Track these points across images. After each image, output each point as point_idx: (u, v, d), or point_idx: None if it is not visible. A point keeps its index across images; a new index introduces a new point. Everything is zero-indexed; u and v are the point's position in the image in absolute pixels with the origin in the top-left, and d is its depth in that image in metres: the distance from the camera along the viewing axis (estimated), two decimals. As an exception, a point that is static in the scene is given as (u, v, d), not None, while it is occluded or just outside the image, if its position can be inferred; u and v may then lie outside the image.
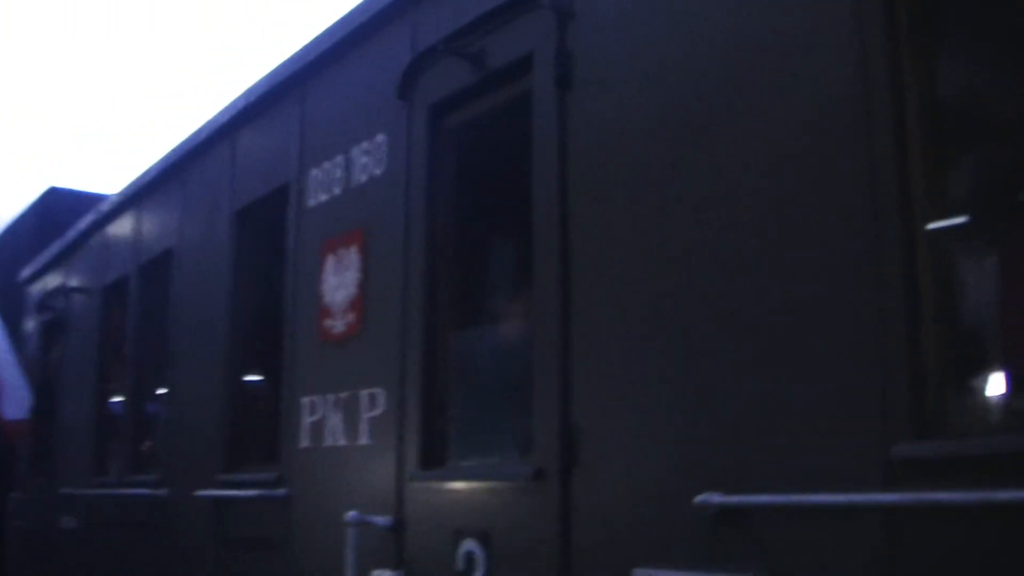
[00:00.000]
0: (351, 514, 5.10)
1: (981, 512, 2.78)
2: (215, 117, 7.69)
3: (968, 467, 2.87)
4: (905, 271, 3.04)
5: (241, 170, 7.32)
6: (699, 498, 3.46)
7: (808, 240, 3.36)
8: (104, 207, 10.12)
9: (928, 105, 3.12)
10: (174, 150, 8.43)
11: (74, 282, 10.84)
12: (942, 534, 2.88)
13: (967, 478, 2.82)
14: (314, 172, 6.26)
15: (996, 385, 3.24)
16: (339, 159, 6.03)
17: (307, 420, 5.96)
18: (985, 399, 3.24)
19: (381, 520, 5.08)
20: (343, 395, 5.66)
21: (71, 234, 10.95)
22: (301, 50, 6.60)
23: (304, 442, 5.98)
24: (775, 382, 3.39)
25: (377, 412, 5.35)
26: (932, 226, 3.08)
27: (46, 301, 11.48)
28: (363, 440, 5.45)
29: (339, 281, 5.83)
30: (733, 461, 3.49)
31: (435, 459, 5.00)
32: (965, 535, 2.83)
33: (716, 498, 3.42)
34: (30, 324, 12.34)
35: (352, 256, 5.76)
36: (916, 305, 3.03)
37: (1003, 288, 3.37)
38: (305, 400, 6.01)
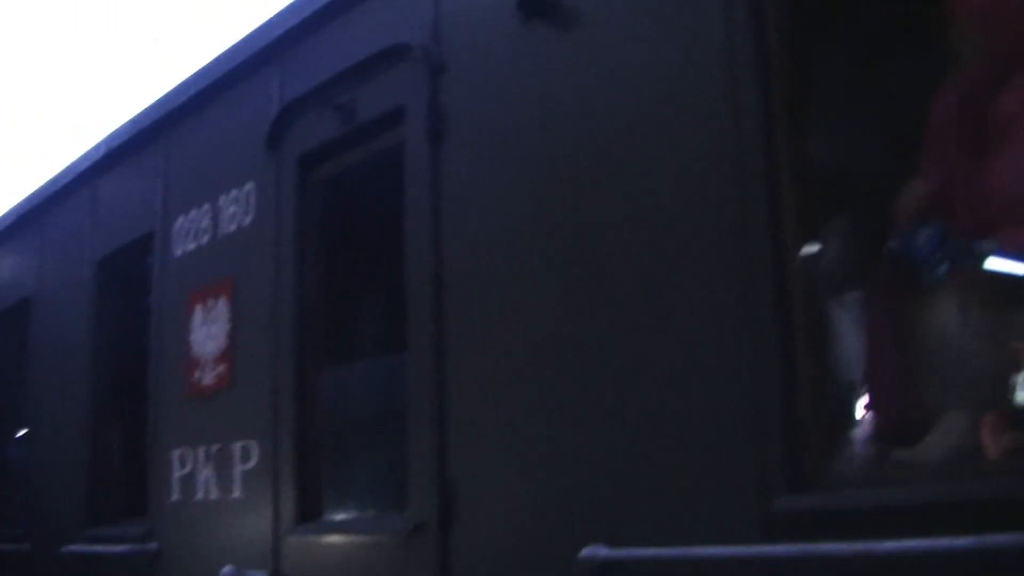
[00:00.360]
0: (226, 569, 5.03)
1: (860, 563, 2.87)
2: (74, 163, 7.53)
3: (845, 520, 2.96)
4: (780, 330, 3.13)
5: (103, 218, 7.18)
6: (584, 552, 3.49)
7: (683, 298, 3.43)
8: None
9: (799, 169, 3.21)
10: (31, 196, 8.23)
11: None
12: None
13: (845, 530, 2.90)
14: (180, 220, 6.18)
15: (868, 439, 3.35)
16: (206, 207, 5.96)
17: (177, 473, 5.86)
18: (859, 453, 3.35)
19: (257, 574, 5.02)
20: (214, 447, 5.58)
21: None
22: (164, 96, 6.52)
23: (174, 495, 5.87)
24: (656, 435, 3.44)
25: (250, 465, 5.29)
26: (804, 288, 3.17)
27: None
28: (237, 493, 5.38)
29: (207, 332, 5.75)
30: (615, 515, 3.53)
31: (311, 512, 4.97)
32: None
33: (601, 551, 3.45)
34: None
35: (220, 306, 5.70)
36: (791, 362, 3.12)
37: (867, 345, 3.49)
38: (175, 453, 5.91)
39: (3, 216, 8.71)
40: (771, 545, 3.06)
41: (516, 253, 4.07)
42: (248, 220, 5.60)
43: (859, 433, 3.43)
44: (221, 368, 5.63)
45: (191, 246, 6.06)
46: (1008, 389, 3.25)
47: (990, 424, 3.12)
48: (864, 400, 3.52)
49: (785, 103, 3.28)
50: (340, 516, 4.96)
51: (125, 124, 6.89)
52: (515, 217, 4.09)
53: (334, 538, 4.77)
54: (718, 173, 3.35)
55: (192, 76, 6.24)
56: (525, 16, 4.01)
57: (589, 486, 3.63)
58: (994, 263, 3.09)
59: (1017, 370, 3.22)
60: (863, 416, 3.47)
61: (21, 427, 8.19)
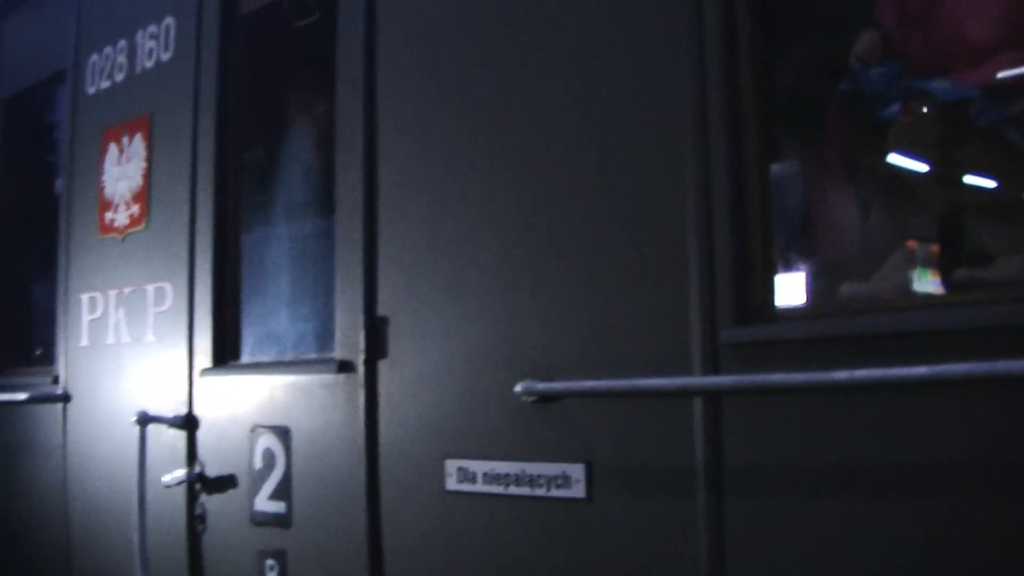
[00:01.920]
0: (140, 411, 4.90)
1: (801, 392, 2.83)
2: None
3: (791, 352, 2.91)
4: (730, 161, 3.04)
5: (9, 57, 6.87)
6: (520, 385, 3.41)
7: (631, 116, 3.32)
8: None
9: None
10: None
11: None
12: (765, 417, 2.92)
13: (791, 363, 2.85)
14: (94, 57, 5.91)
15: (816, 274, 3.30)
16: (122, 44, 5.71)
17: (87, 318, 5.68)
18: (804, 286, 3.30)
19: (171, 417, 4.89)
20: (127, 291, 5.41)
21: None
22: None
23: (84, 341, 5.70)
24: (598, 267, 3.36)
25: (164, 307, 5.14)
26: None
27: None
28: (149, 337, 5.22)
29: (121, 171, 5.54)
30: (552, 349, 3.45)
31: (228, 354, 4.84)
32: (786, 415, 2.88)
33: (539, 384, 3.38)
34: None
35: (136, 144, 5.48)
36: (740, 193, 3.04)
37: (814, 182, 3.43)
38: (84, 297, 5.72)
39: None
40: (714, 376, 3.01)
41: (452, 96, 3.93)
42: (167, 56, 5.37)
43: (808, 268, 3.36)
44: (135, 208, 5.43)
45: (105, 84, 5.81)
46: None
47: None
48: (814, 236, 3.46)
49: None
50: (258, 358, 4.83)
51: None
52: (451, 64, 3.93)
53: (252, 378, 4.64)
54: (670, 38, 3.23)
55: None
56: None
57: (525, 321, 3.55)
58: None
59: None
60: (812, 252, 3.40)
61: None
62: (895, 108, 3.11)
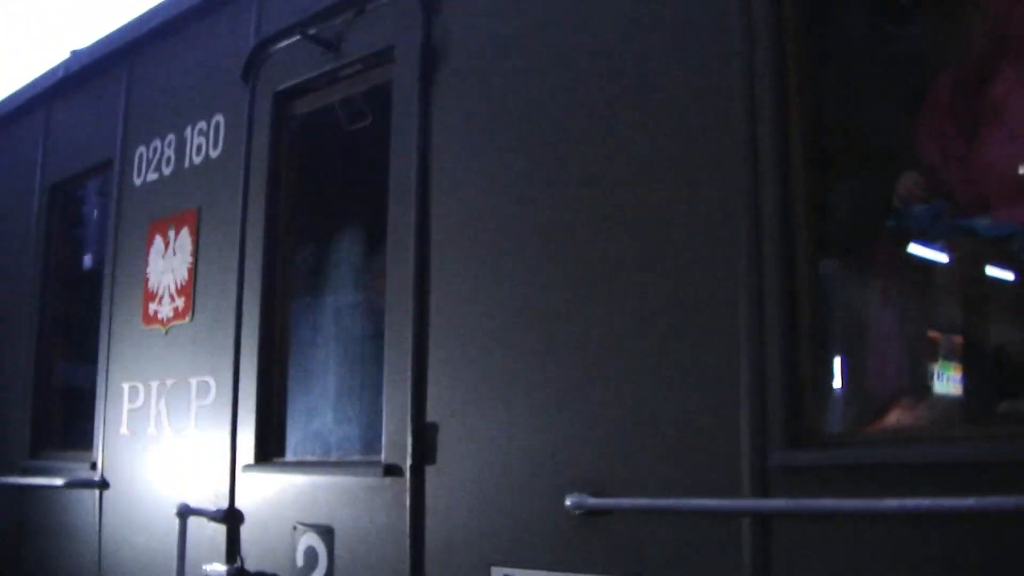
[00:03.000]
0: (181, 503, 4.95)
1: (854, 520, 2.89)
2: (29, 85, 7.33)
3: (841, 477, 2.96)
4: (783, 285, 3.12)
5: (57, 143, 7.00)
6: (571, 499, 3.47)
7: (684, 248, 3.41)
8: None
9: (811, 132, 3.19)
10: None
11: None
12: (815, 540, 2.97)
13: (840, 488, 2.91)
14: (141, 149, 6.04)
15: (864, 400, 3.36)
16: (170, 138, 5.83)
17: (127, 407, 5.76)
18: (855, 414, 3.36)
19: (212, 510, 4.94)
20: (169, 382, 5.48)
21: None
22: (130, 21, 6.36)
23: (123, 429, 5.77)
24: (649, 386, 3.42)
25: (208, 401, 5.20)
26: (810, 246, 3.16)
27: None
28: (191, 429, 5.29)
29: (167, 264, 5.64)
30: (601, 464, 3.51)
31: (271, 451, 4.89)
32: (838, 541, 2.93)
33: (588, 499, 3.44)
34: None
35: (183, 238, 5.59)
36: (792, 317, 3.11)
37: (872, 310, 3.50)
38: (125, 385, 5.80)
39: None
40: (764, 499, 3.06)
41: (508, 199, 4.02)
42: (216, 153, 5.48)
43: (857, 393, 3.43)
44: (180, 301, 5.52)
45: (153, 176, 5.93)
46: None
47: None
48: (862, 362, 3.53)
49: (798, 67, 3.25)
50: (301, 456, 4.89)
51: (86, 48, 6.71)
52: (509, 162, 4.03)
53: (296, 476, 4.69)
54: (726, 127, 3.32)
55: (162, 2, 6.09)
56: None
57: (575, 435, 3.61)
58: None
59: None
60: (861, 378, 3.47)
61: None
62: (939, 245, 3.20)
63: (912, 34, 3.60)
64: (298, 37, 4.97)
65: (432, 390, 4.14)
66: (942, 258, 3.33)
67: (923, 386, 3.43)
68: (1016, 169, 3.13)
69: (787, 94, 3.24)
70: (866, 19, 3.76)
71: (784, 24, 3.27)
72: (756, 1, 3.30)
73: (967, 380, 3.24)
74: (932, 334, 3.52)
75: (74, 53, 6.95)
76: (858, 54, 3.73)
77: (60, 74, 6.94)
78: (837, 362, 3.50)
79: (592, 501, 3.44)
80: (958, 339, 3.40)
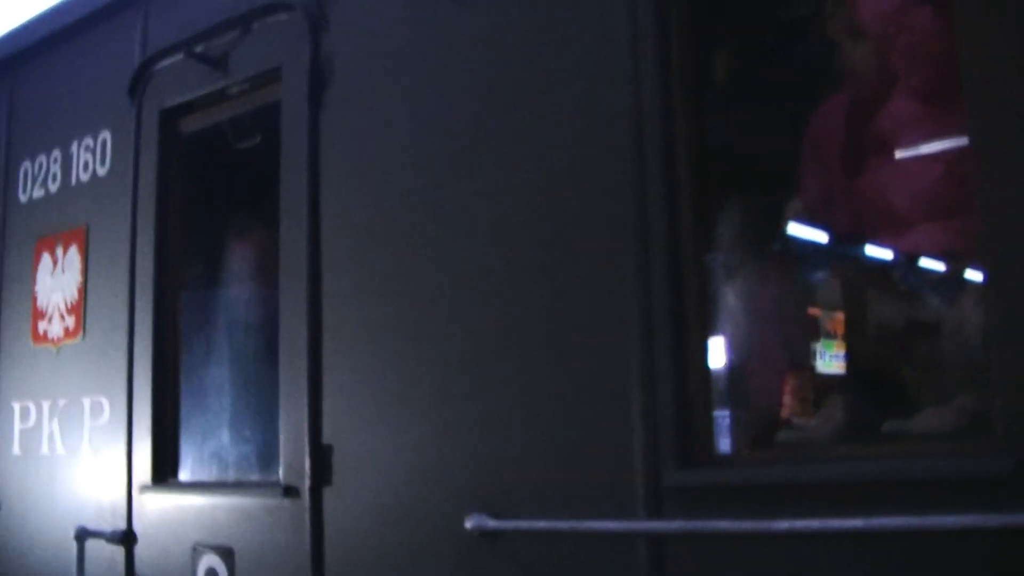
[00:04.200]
0: (78, 525, 4.92)
1: (746, 539, 2.99)
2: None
3: (732, 497, 3.07)
4: (673, 306, 3.20)
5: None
6: (470, 520, 3.53)
7: (574, 271, 3.47)
8: None
9: (697, 150, 3.28)
10: None
11: None
12: (709, 560, 3.07)
13: (731, 508, 3.02)
14: (26, 165, 5.96)
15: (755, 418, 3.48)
16: (56, 154, 5.76)
17: (19, 427, 5.69)
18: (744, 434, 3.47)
19: (109, 532, 4.91)
20: (61, 402, 5.43)
21: None
22: (14, 30, 6.25)
23: (15, 449, 5.70)
24: (543, 408, 3.49)
25: (102, 421, 5.17)
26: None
27: None
28: (85, 450, 5.25)
29: (56, 282, 5.58)
30: (497, 484, 3.58)
31: (168, 471, 4.88)
32: (732, 561, 3.03)
33: (489, 521, 3.50)
34: None
35: (71, 255, 5.53)
36: (682, 339, 3.20)
37: (755, 327, 3.61)
38: (16, 405, 5.73)
39: None
40: (659, 520, 3.15)
41: (395, 219, 4.06)
42: (103, 170, 5.44)
43: (746, 412, 3.54)
44: (71, 320, 5.47)
45: (39, 192, 5.85)
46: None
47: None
48: (752, 381, 3.65)
49: (685, 87, 3.34)
50: (198, 476, 4.88)
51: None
52: (400, 181, 4.06)
53: (194, 498, 4.69)
54: (615, 152, 3.39)
55: (46, 11, 5.99)
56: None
57: (471, 455, 3.67)
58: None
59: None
60: (750, 396, 3.59)
61: None
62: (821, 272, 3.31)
63: (801, 58, 3.71)
64: (184, 54, 4.95)
65: (328, 410, 4.16)
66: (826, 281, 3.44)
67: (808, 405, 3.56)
68: (898, 202, 3.25)
69: (673, 115, 3.32)
70: (756, 41, 3.87)
71: (670, 45, 3.35)
72: (642, 22, 3.36)
73: (852, 402, 3.37)
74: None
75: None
76: (746, 76, 3.83)
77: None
78: (725, 381, 3.62)
79: (492, 523, 3.50)
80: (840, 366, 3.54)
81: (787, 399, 3.67)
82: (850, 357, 3.49)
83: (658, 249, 3.26)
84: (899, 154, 3.31)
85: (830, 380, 3.76)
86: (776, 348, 3.55)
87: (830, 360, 3.89)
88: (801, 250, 3.39)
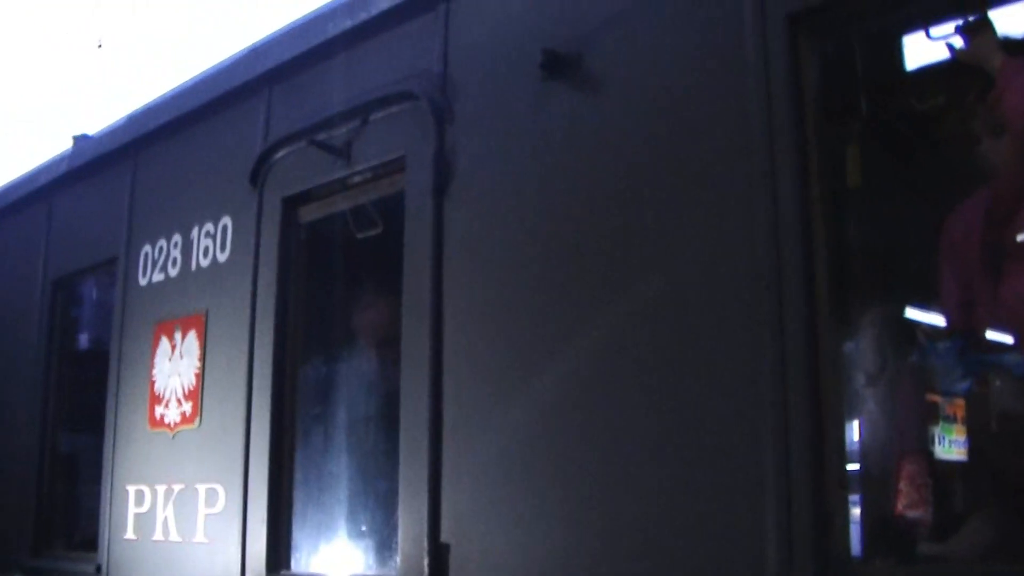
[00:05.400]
0: (188, 616, 4.88)
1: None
2: (31, 175, 7.31)
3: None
4: (811, 416, 3.07)
5: (58, 235, 6.97)
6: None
7: (707, 366, 3.36)
8: None
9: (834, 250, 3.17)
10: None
11: None
12: None
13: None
14: (146, 248, 6.00)
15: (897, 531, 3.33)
16: (176, 238, 5.80)
17: (133, 510, 5.68)
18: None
19: (223, 623, 4.87)
20: (176, 488, 5.42)
21: None
22: (138, 112, 6.35)
23: (129, 533, 5.69)
24: (673, 509, 3.36)
25: (216, 509, 5.14)
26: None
27: None
28: (199, 537, 5.21)
29: (174, 367, 5.59)
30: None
31: (282, 563, 4.82)
32: None
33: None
34: None
35: (190, 341, 5.54)
36: (820, 449, 3.06)
37: (899, 435, 3.47)
38: (131, 489, 5.73)
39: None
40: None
41: (518, 312, 3.99)
42: (224, 256, 5.45)
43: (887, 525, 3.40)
44: (188, 406, 5.46)
45: (158, 277, 5.89)
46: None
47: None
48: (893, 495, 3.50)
49: (822, 184, 3.23)
50: (313, 567, 4.81)
51: (91, 138, 6.70)
52: (522, 274, 4.00)
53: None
54: (749, 254, 3.28)
55: (169, 95, 6.08)
56: (546, 75, 3.93)
57: (597, 559, 3.55)
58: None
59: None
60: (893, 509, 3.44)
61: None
62: (965, 384, 3.17)
63: (939, 155, 3.60)
64: (306, 143, 4.96)
65: (447, 506, 4.08)
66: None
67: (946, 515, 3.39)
68: None
69: (811, 214, 3.21)
70: (892, 137, 3.77)
71: (807, 141, 3.25)
72: (778, 117, 3.26)
73: (1005, 517, 3.20)
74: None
75: (76, 139, 6.93)
76: (883, 174, 3.72)
77: (64, 167, 6.91)
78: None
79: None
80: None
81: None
82: (999, 475, 3.31)
83: (796, 357, 3.13)
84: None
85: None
86: (921, 463, 3.39)
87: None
88: (941, 360, 3.24)
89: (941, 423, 3.61)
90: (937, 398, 3.65)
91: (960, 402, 3.61)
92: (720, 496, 3.26)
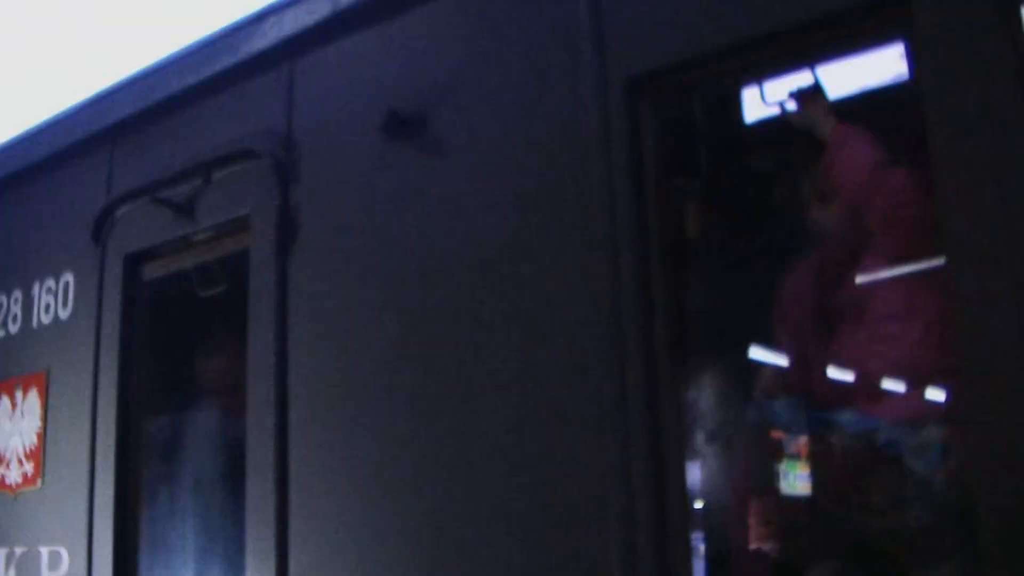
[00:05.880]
0: None
1: None
2: None
3: None
4: (653, 480, 3.13)
5: None
6: None
7: (556, 427, 3.39)
8: None
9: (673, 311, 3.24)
10: None
11: None
12: None
13: None
14: (-15, 305, 5.86)
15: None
16: (17, 294, 5.67)
17: (-27, 575, 5.52)
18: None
19: None
20: (18, 551, 5.28)
21: None
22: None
23: (-31, 600, 5.53)
24: (519, 557, 3.39)
25: (59, 573, 5.01)
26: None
27: None
28: (42, 604, 5.09)
29: (15, 427, 5.46)
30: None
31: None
32: None
33: None
34: None
35: (31, 400, 5.41)
36: (661, 510, 3.12)
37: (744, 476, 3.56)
38: (-28, 552, 5.57)
39: None
40: None
41: (366, 369, 3.99)
42: (66, 313, 5.35)
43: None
44: (29, 466, 5.34)
45: (-1, 333, 5.75)
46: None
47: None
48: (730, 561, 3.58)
49: (663, 246, 3.30)
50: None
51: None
52: (365, 335, 4.00)
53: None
54: (592, 312, 3.34)
55: (10, 143, 5.94)
56: (389, 136, 3.96)
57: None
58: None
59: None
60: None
61: None
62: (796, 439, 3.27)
63: (776, 222, 3.71)
64: (149, 200, 4.90)
65: (294, 569, 4.04)
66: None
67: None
68: (877, 369, 3.22)
69: (650, 276, 3.27)
70: (729, 199, 3.88)
71: (646, 204, 3.32)
72: (618, 181, 3.33)
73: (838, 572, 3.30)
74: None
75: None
76: (725, 241, 3.82)
77: None
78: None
79: None
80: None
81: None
82: (835, 527, 3.41)
83: (638, 426, 3.19)
84: (872, 318, 3.28)
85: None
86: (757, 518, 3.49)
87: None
88: (777, 418, 3.35)
89: (786, 460, 3.70)
90: (782, 435, 3.74)
91: (804, 439, 3.71)
92: (566, 557, 3.29)
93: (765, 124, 4.07)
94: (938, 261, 2.89)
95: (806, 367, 3.42)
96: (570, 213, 3.46)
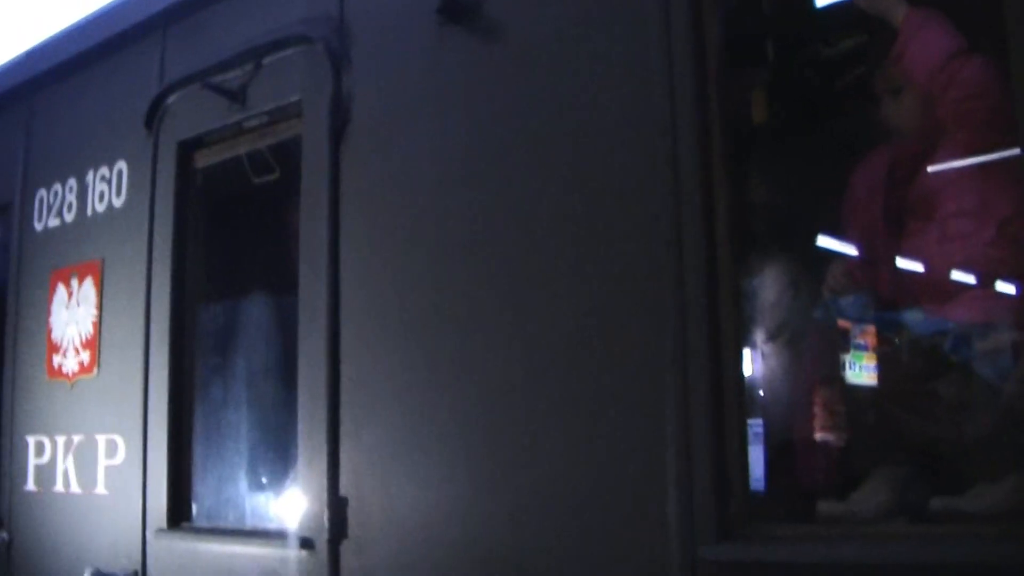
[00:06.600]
0: (91, 567, 4.80)
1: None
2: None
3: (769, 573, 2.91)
4: (710, 375, 3.05)
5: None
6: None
7: (609, 330, 3.31)
8: None
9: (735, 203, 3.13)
10: None
11: None
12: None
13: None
14: (42, 193, 5.84)
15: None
16: (71, 183, 5.64)
17: (33, 461, 5.57)
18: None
19: (123, 575, 4.79)
20: (76, 439, 5.31)
21: None
22: (28, 53, 6.14)
23: (30, 485, 5.59)
24: (573, 470, 3.33)
25: (116, 461, 5.04)
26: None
27: None
28: (100, 489, 5.12)
29: (71, 315, 5.46)
30: (520, 548, 3.43)
31: (183, 516, 4.75)
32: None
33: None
34: None
35: (86, 289, 5.41)
36: (720, 409, 3.04)
37: (796, 402, 3.47)
38: (31, 439, 5.62)
39: None
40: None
41: (417, 259, 3.92)
42: (119, 201, 5.31)
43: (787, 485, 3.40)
44: (85, 355, 5.35)
45: (54, 222, 5.73)
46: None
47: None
48: (792, 453, 3.50)
49: (723, 134, 3.18)
50: (214, 521, 4.75)
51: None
52: (422, 219, 3.92)
53: (209, 545, 4.55)
54: (650, 201, 3.23)
55: (63, 33, 5.87)
56: (444, 20, 3.84)
57: (495, 516, 3.52)
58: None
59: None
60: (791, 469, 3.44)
61: None
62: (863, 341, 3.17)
63: (847, 114, 3.57)
64: (201, 86, 4.82)
65: (346, 460, 4.02)
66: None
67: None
68: (947, 269, 3.10)
69: (711, 165, 3.16)
70: (798, 95, 3.73)
71: (708, 90, 3.20)
72: (679, 66, 3.21)
73: (898, 476, 3.21)
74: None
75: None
76: (788, 128, 3.69)
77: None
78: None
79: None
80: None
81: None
82: (900, 429, 3.31)
83: (696, 317, 3.09)
84: (943, 215, 3.14)
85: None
86: (822, 419, 3.39)
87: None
88: (842, 315, 3.23)
89: (852, 350, 3.60)
90: (848, 325, 3.63)
91: (871, 329, 3.59)
92: (625, 467, 3.22)
93: (835, 10, 3.91)
94: (1014, 156, 2.74)
95: (875, 264, 3.29)
96: (629, 100, 3.33)
